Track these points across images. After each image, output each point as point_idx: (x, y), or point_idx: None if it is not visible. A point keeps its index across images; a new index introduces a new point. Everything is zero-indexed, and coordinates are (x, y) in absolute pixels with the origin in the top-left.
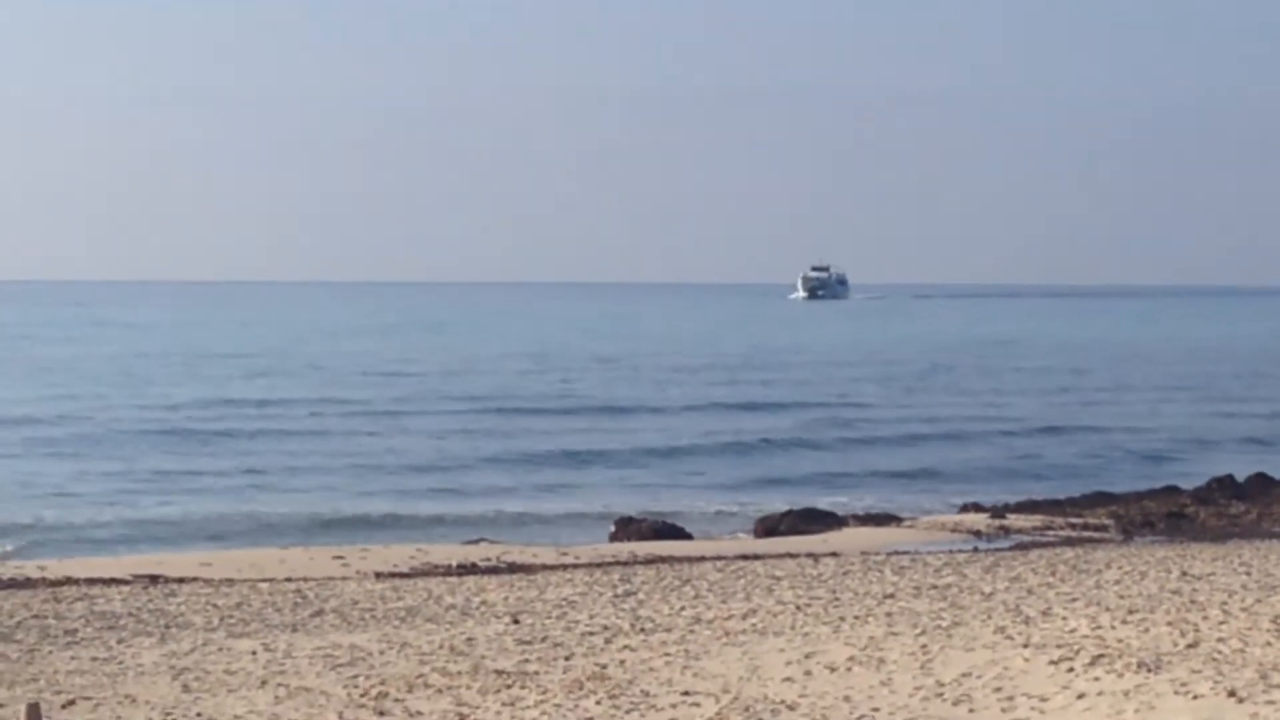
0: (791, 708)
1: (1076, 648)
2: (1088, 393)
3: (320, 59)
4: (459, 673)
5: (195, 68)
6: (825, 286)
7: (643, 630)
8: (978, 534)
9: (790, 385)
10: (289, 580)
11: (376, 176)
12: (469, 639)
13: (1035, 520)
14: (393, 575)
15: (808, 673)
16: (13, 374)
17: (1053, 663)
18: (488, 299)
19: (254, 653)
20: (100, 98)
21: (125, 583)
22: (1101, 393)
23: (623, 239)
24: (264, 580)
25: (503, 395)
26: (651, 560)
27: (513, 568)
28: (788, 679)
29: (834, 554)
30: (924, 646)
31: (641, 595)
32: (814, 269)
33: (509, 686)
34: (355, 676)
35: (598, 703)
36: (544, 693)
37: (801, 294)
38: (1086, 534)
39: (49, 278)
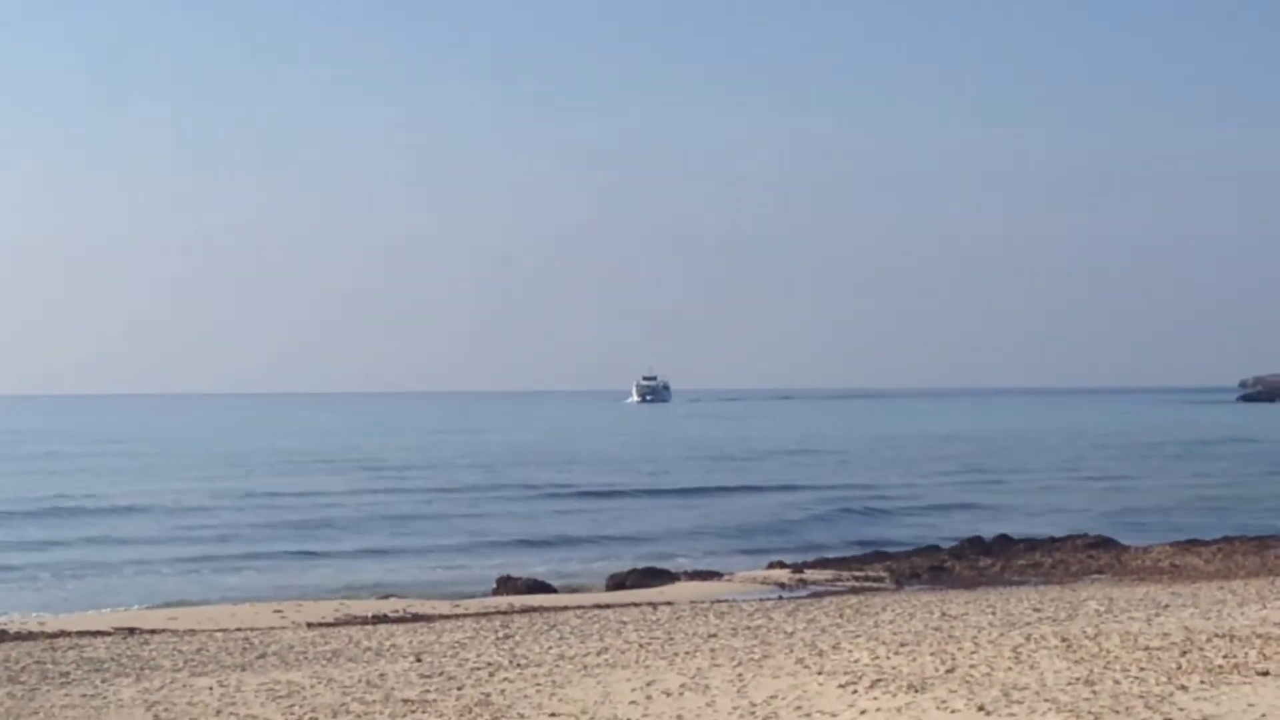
0: None
1: (860, 674)
2: (869, 472)
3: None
4: (373, 701)
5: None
6: (655, 392)
7: (519, 665)
8: (782, 585)
9: (640, 472)
10: (239, 630)
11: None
12: (381, 674)
13: (827, 574)
14: (321, 625)
15: (649, 697)
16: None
17: (841, 686)
18: (320, 408)
19: (211, 689)
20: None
21: (108, 634)
22: (879, 471)
23: (464, 348)
24: (219, 630)
25: (395, 486)
26: (526, 610)
27: (416, 617)
28: (633, 702)
29: (669, 603)
30: (740, 675)
31: (518, 638)
32: (645, 378)
33: (413, 712)
34: (292, 706)
35: None
36: (441, 716)
37: (636, 398)
38: (867, 584)
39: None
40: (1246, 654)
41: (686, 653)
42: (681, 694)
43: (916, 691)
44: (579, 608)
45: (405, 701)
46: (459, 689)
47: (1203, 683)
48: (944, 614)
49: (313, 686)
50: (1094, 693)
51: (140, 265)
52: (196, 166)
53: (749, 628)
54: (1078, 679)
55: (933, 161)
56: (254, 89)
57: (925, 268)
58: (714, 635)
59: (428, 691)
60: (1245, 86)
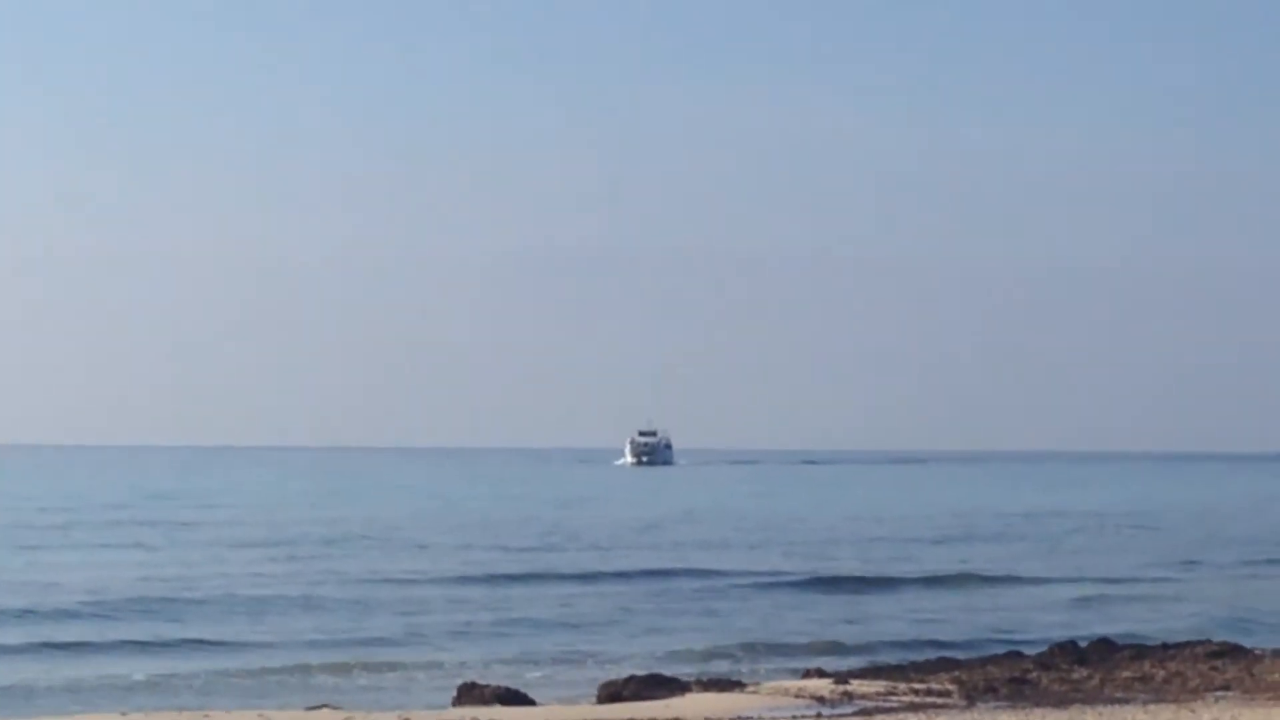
0: None
1: None
2: (923, 559)
3: None
4: None
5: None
6: (653, 452)
7: None
8: (821, 700)
9: (627, 552)
10: None
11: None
12: None
13: (878, 686)
14: None
15: None
16: None
17: None
18: (305, 464)
19: None
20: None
21: None
22: (938, 555)
23: (445, 403)
24: None
25: (336, 568)
26: None
27: None
28: None
29: None
30: None
31: None
32: (641, 433)
33: None
34: None
35: None
36: None
37: (629, 459)
38: (930, 699)
39: None
40: None
41: None
42: None
43: None
44: None
45: None
46: None
47: None
48: None
49: None
50: None
51: None
52: None
53: None
54: None
55: (1006, 165)
56: None
57: (995, 303)
58: None
59: None
60: None
